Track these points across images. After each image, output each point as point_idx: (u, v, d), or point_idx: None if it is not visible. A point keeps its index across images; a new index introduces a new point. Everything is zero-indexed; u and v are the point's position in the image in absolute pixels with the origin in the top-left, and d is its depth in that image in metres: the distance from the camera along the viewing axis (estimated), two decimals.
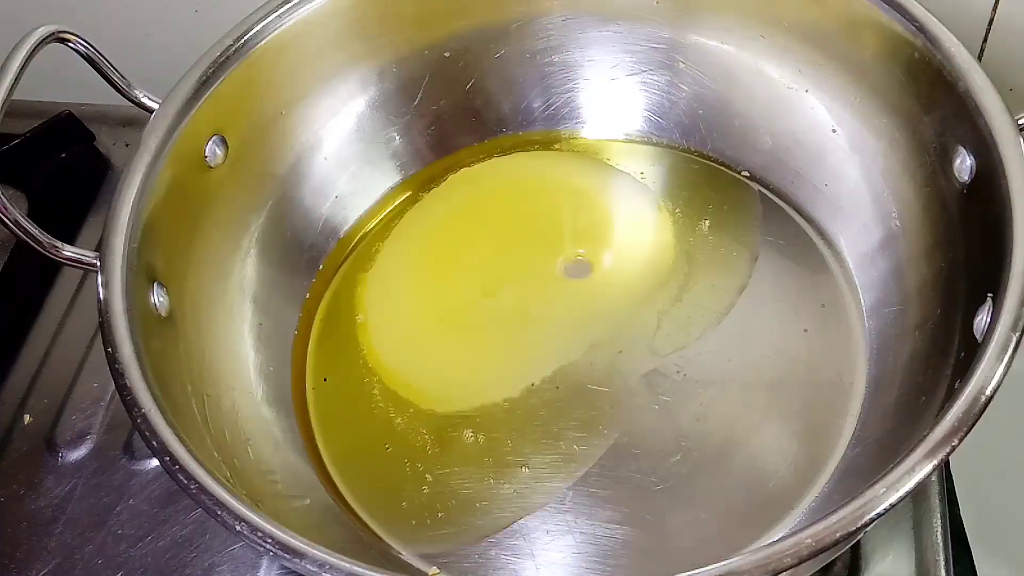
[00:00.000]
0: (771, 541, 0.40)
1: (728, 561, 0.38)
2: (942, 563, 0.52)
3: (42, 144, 0.73)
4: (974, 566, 0.58)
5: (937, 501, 0.54)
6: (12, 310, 0.67)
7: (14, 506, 0.58)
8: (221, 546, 0.55)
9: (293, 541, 0.41)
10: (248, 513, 0.42)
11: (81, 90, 0.77)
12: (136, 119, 0.77)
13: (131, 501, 0.58)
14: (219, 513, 0.42)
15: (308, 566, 0.40)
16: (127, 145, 0.76)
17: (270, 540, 0.41)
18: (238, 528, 0.42)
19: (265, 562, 0.55)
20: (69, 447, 0.60)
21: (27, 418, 0.62)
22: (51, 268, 0.69)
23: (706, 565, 0.39)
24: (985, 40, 0.68)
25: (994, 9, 0.66)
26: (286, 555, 0.41)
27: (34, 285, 0.68)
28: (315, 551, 0.40)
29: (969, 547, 0.58)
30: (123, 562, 0.55)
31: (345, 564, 0.40)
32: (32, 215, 0.69)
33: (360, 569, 0.40)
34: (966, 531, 0.58)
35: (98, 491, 0.58)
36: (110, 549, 0.56)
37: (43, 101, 0.74)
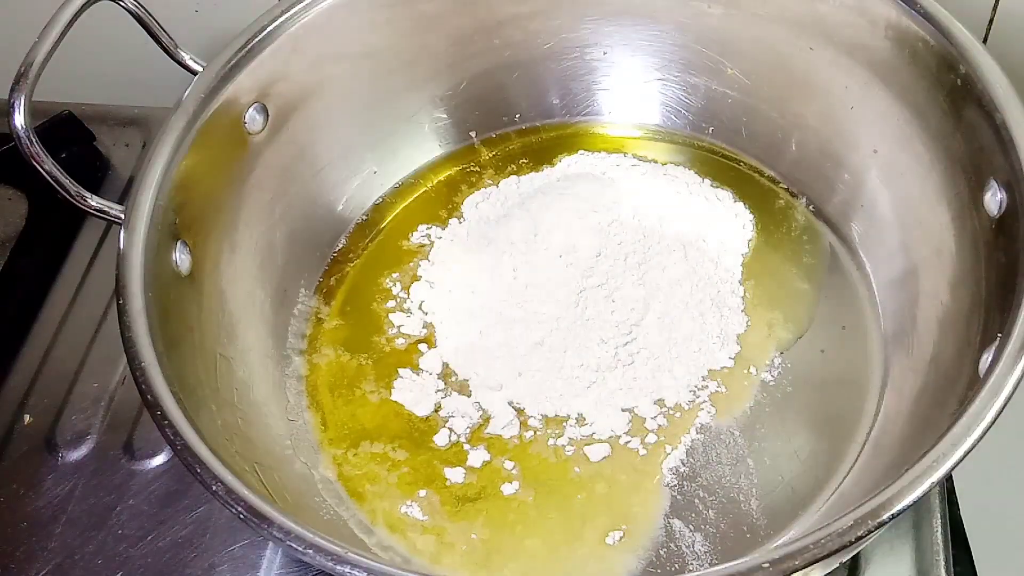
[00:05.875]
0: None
1: (730, 564, 0.39)
2: (942, 563, 0.52)
3: (42, 144, 0.73)
4: (974, 566, 0.58)
5: (937, 501, 0.54)
6: (12, 310, 0.67)
7: (14, 506, 0.58)
8: (221, 546, 0.55)
9: (263, 507, 0.42)
10: (226, 474, 0.43)
11: (81, 90, 0.77)
12: (136, 119, 0.77)
13: (131, 501, 0.58)
14: (198, 471, 0.43)
15: (275, 533, 0.41)
16: (127, 145, 0.76)
17: (242, 504, 0.42)
18: (214, 488, 0.42)
19: (264, 562, 0.55)
20: (69, 447, 0.60)
21: (27, 418, 0.62)
22: (52, 268, 0.69)
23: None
24: (985, 40, 0.68)
25: (994, 9, 0.66)
26: (253, 519, 0.41)
27: (35, 285, 0.68)
28: (282, 519, 0.41)
29: (969, 547, 0.58)
30: (123, 562, 0.55)
31: (308, 534, 0.41)
32: (32, 215, 0.69)
33: (323, 541, 0.40)
34: (966, 531, 0.58)
35: (98, 491, 0.58)
36: (110, 549, 0.56)
37: (43, 101, 0.74)
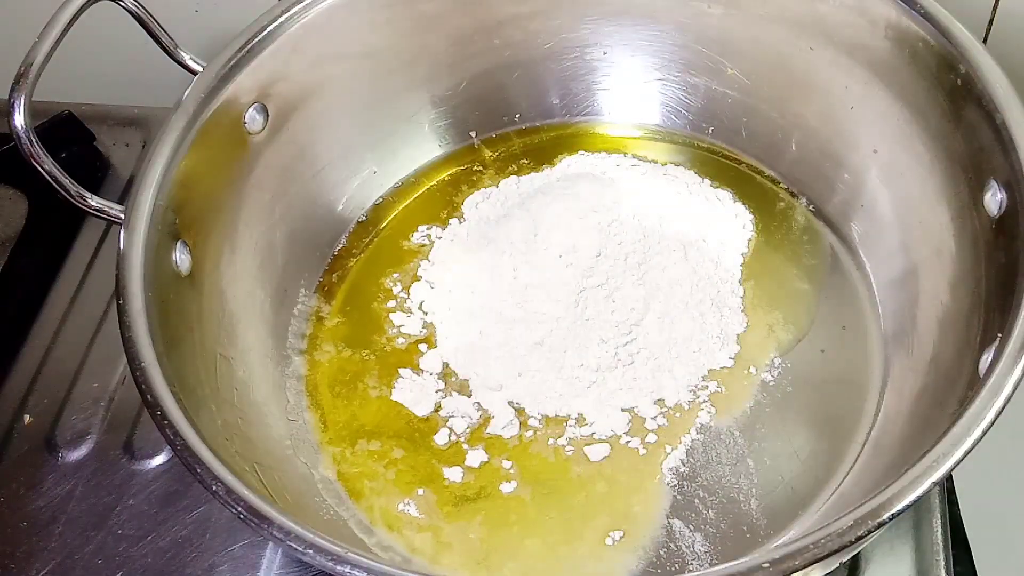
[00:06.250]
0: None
1: (730, 564, 0.39)
2: (942, 563, 0.52)
3: (42, 144, 0.73)
4: (974, 566, 0.58)
5: (937, 501, 0.54)
6: (12, 310, 0.67)
7: (14, 506, 0.58)
8: (221, 546, 0.55)
9: (263, 507, 0.42)
10: (226, 474, 0.43)
11: (81, 90, 0.77)
12: (136, 119, 0.77)
13: (131, 501, 0.58)
14: (198, 471, 0.43)
15: (275, 533, 0.41)
16: (127, 145, 0.76)
17: (242, 504, 0.42)
18: (214, 488, 0.42)
19: (264, 562, 0.55)
20: (69, 447, 0.60)
21: (27, 418, 0.62)
22: (52, 268, 0.69)
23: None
24: (985, 40, 0.68)
25: (994, 9, 0.66)
26: (253, 519, 0.41)
27: (35, 285, 0.68)
28: (282, 519, 0.41)
29: (969, 547, 0.58)
30: (123, 562, 0.55)
31: (308, 534, 0.41)
32: (32, 215, 0.69)
33: (323, 541, 0.40)
34: (966, 531, 0.58)
35: (98, 491, 0.58)
36: (110, 549, 0.56)
37: (43, 101, 0.74)
